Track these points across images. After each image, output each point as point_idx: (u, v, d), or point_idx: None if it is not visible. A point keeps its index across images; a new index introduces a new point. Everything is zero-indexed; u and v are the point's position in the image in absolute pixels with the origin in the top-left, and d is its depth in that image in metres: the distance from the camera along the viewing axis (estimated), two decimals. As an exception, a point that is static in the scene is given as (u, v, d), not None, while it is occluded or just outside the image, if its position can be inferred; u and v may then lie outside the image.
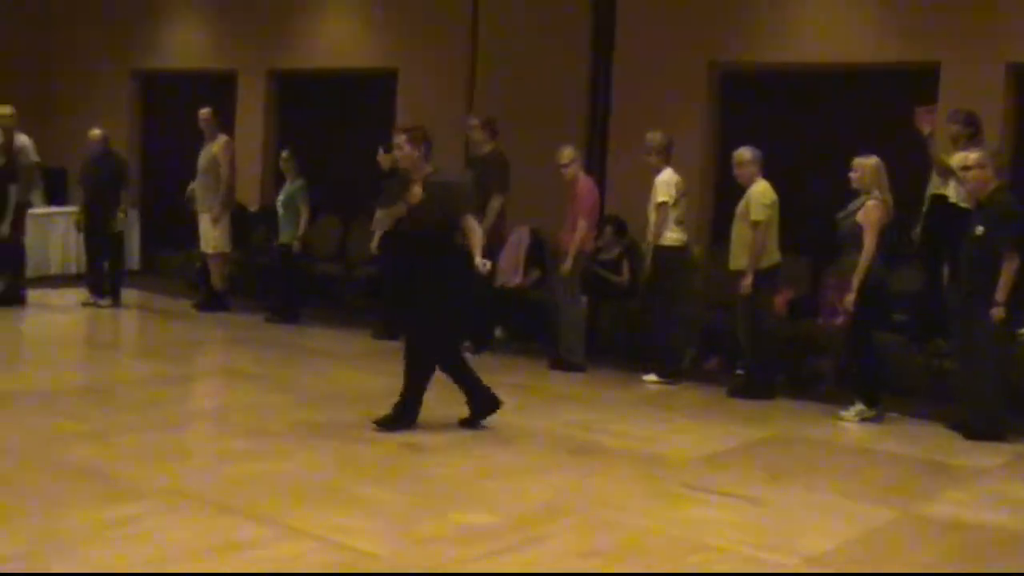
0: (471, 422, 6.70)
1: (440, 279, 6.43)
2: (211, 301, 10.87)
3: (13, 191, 10.28)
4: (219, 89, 13.17)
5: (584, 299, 9.21)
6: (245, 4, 13.05)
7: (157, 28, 13.78)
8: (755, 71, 9.97)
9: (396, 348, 9.25)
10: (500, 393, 6.74)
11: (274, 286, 10.79)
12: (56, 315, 10.70)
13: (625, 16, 10.24)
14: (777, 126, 9.49)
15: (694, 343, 9.16)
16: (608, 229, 9.59)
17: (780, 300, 8.58)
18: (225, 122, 13.03)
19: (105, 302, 10.82)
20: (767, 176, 8.13)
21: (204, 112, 11.02)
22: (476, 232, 6.54)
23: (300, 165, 10.59)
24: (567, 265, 8.75)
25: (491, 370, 7.32)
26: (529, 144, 9.73)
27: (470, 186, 7.28)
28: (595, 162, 10.22)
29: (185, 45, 13.64)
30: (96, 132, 10.99)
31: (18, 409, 6.80)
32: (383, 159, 9.25)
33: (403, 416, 6.51)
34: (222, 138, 11.07)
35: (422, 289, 6.47)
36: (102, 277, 10.95)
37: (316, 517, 4.92)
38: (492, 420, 6.71)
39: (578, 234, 8.72)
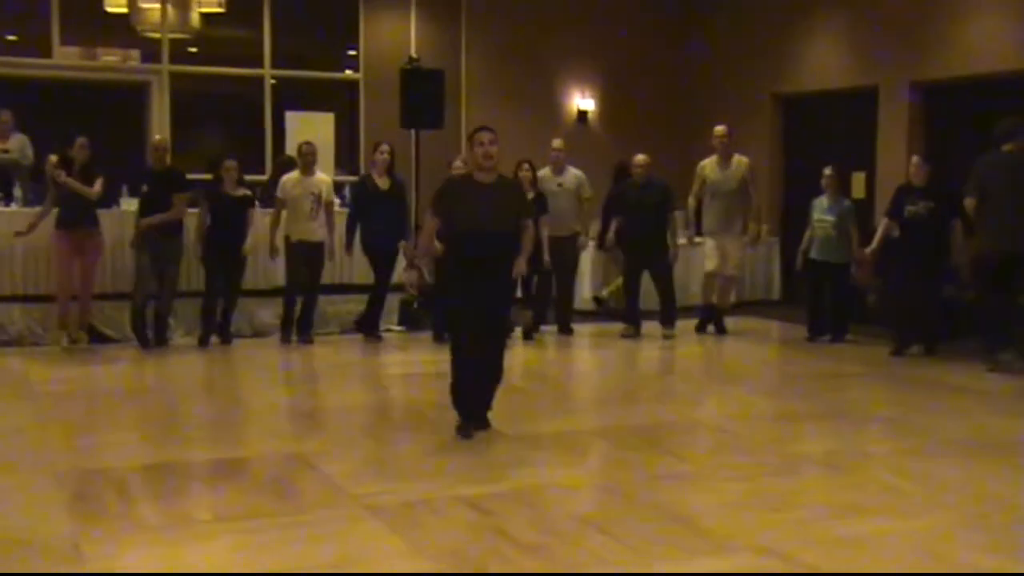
0: None
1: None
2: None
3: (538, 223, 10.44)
4: (857, 106, 12.59)
5: None
6: (885, 17, 12.30)
7: (796, 50, 13.49)
8: None
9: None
10: None
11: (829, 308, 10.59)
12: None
13: None
14: None
15: None
16: None
17: None
18: (866, 138, 12.46)
19: (669, 331, 10.79)
20: None
21: (719, 129, 10.83)
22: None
23: (844, 183, 10.46)
24: None
25: None
26: None
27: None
28: None
29: (824, 65, 13.19)
30: (640, 158, 10.89)
31: (622, 443, 6.72)
32: None
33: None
34: (743, 159, 10.85)
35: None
36: (637, 308, 10.86)
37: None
38: None
39: None
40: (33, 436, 6.87)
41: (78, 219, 9.70)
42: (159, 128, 12.96)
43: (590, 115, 14.44)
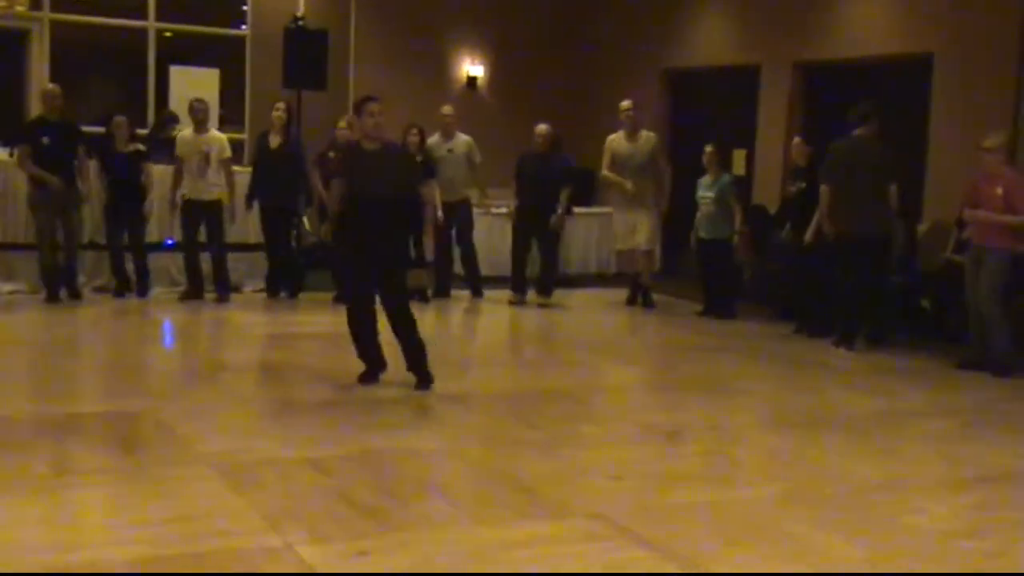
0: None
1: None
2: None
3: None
4: (740, 84, 12.83)
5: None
6: (770, -4, 12.56)
7: (685, 25, 13.66)
8: None
9: (893, 366, 8.57)
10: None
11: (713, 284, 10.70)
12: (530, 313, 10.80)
13: None
14: None
15: None
16: None
17: None
18: (748, 116, 12.70)
19: (543, 299, 10.88)
20: None
21: (625, 104, 10.89)
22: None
23: (725, 160, 10.59)
24: None
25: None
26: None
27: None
28: None
29: (710, 42, 13.38)
30: (541, 128, 10.93)
31: (480, 409, 6.84)
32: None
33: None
34: (651, 134, 11.00)
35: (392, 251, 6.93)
36: (523, 275, 10.95)
37: (740, 562, 4.31)
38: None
39: None
40: None
41: None
42: (38, 78, 12.63)
43: (479, 82, 14.44)
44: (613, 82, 14.12)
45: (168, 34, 13.38)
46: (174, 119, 11.67)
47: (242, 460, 5.37)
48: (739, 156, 12.89)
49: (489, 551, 4.32)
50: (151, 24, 13.14)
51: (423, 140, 10.62)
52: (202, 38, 13.81)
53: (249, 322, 9.70)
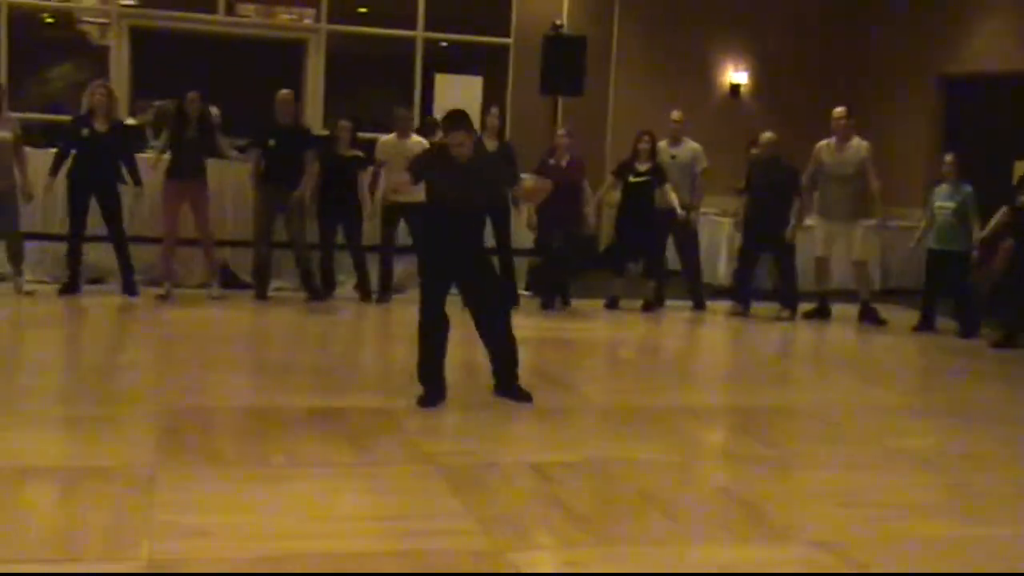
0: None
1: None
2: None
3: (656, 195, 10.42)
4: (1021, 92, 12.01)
5: None
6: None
7: (963, 29, 12.90)
8: None
9: None
10: None
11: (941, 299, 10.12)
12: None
13: None
14: None
15: None
16: None
17: None
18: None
19: (786, 314, 10.47)
20: None
21: (838, 111, 10.36)
22: None
23: (965, 170, 9.85)
24: None
25: None
26: None
27: None
28: None
29: (992, 46, 12.57)
30: (766, 136, 10.49)
31: (713, 423, 6.64)
32: None
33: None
34: (863, 143, 10.38)
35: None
36: (749, 288, 10.56)
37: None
38: None
39: None
40: (146, 372, 7.26)
41: (185, 170, 9.94)
42: (314, 86, 13.28)
43: (743, 89, 14.12)
44: (883, 89, 13.53)
45: (445, 44, 13.78)
46: (436, 125, 11.95)
47: (465, 462, 5.39)
48: (1020, 168, 12.05)
49: (702, 572, 4.15)
50: (419, 34, 13.56)
51: (654, 147, 10.49)
52: (467, 47, 14.13)
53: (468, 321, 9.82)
